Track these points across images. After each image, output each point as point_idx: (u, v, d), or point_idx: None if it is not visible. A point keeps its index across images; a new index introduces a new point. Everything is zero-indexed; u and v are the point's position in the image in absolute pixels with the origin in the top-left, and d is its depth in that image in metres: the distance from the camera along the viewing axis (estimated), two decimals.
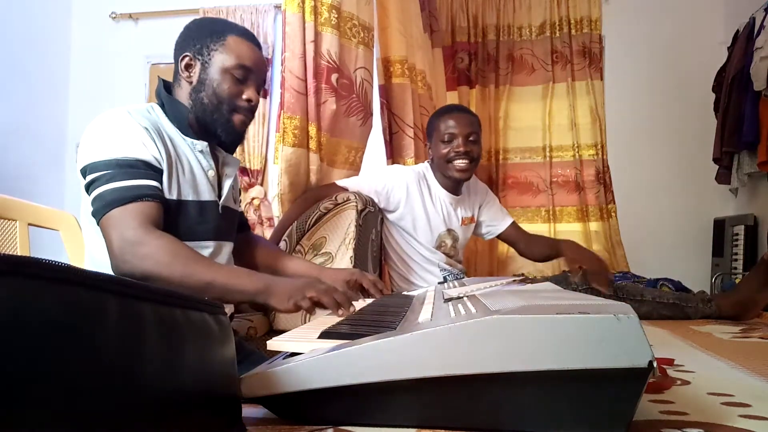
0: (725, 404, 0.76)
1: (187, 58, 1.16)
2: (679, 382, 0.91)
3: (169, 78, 1.23)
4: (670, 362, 1.07)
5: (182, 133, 1.15)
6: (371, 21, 2.18)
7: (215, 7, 4.05)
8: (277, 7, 3.95)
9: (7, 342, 0.32)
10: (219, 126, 1.15)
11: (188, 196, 1.12)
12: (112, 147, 1.02)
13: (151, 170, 1.04)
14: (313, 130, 1.90)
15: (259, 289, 1.00)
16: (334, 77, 1.96)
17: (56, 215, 1.40)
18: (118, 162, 1.01)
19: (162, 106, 1.16)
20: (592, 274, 1.84)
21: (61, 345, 0.36)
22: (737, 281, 2.72)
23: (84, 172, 1.03)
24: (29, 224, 1.33)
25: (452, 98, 3.37)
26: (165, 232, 1.00)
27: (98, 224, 1.00)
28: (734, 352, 1.23)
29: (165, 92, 1.17)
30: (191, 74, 1.15)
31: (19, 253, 1.27)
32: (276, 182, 1.93)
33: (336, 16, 1.96)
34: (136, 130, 1.05)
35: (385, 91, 2.46)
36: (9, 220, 1.30)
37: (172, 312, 0.49)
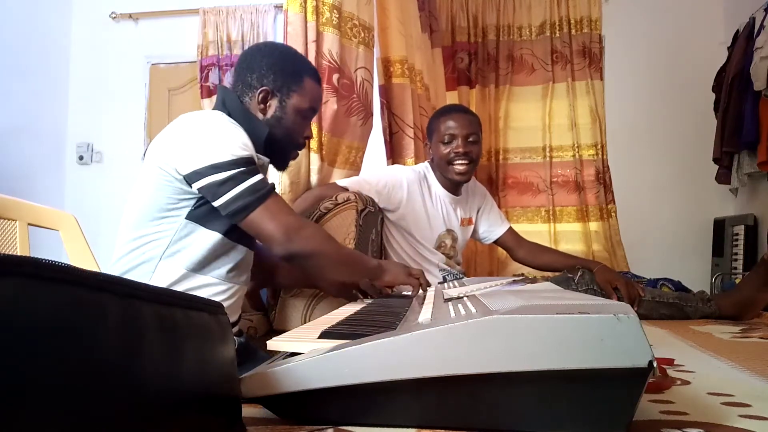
0: (725, 404, 0.76)
1: (264, 92, 1.22)
2: (679, 382, 0.92)
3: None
4: (670, 362, 1.07)
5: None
6: (371, 21, 2.18)
7: (215, 6, 4.05)
8: (278, 7, 3.95)
9: (6, 342, 0.32)
10: (277, 157, 1.25)
11: None
12: (228, 147, 1.07)
13: (259, 167, 1.13)
14: (314, 130, 1.90)
15: (376, 266, 1.26)
16: (335, 77, 1.96)
17: (56, 215, 1.40)
18: (242, 160, 1.07)
19: (229, 115, 1.19)
20: (625, 295, 1.85)
21: (61, 345, 0.36)
22: (737, 281, 2.72)
23: (199, 174, 1.05)
24: (29, 224, 1.33)
25: (452, 98, 3.37)
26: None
27: (244, 221, 1.08)
28: (734, 352, 1.23)
29: (243, 108, 1.22)
30: (267, 107, 1.23)
31: (19, 253, 1.27)
32: (276, 182, 1.94)
33: (337, 16, 1.96)
34: (241, 132, 1.12)
35: (385, 91, 2.46)
36: (9, 220, 1.30)
37: (172, 312, 0.49)
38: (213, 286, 1.13)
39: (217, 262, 1.13)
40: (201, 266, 1.12)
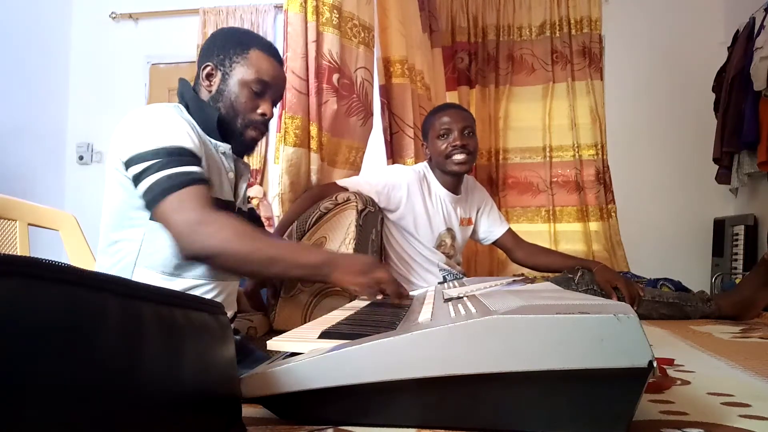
0: (725, 404, 0.76)
1: (209, 68, 1.18)
2: (679, 382, 0.91)
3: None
4: (670, 362, 1.07)
5: (207, 134, 1.16)
6: (371, 21, 2.18)
7: (215, 6, 4.05)
8: (278, 7, 3.95)
9: (6, 342, 0.32)
10: (231, 137, 1.18)
11: (215, 194, 1.14)
12: (159, 137, 1.03)
13: (196, 159, 1.06)
14: (314, 130, 1.90)
15: (322, 262, 1.03)
16: (335, 77, 1.96)
17: (56, 215, 1.40)
18: (167, 150, 1.02)
19: (186, 107, 1.17)
20: (625, 294, 1.85)
21: (61, 345, 0.36)
22: (737, 281, 2.72)
23: (129, 163, 1.03)
24: (29, 224, 1.33)
25: (452, 98, 3.37)
26: (224, 212, 1.02)
27: (154, 211, 1.02)
28: (734, 352, 1.23)
29: (193, 94, 1.19)
30: (211, 83, 1.18)
31: (19, 253, 1.27)
32: (276, 182, 1.93)
33: (337, 16, 1.96)
34: (180, 122, 1.07)
35: (386, 91, 2.46)
36: (9, 220, 1.30)
37: (172, 312, 0.49)
38: (196, 288, 1.09)
39: (191, 263, 1.08)
40: (176, 268, 1.08)
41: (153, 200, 1.01)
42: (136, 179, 1.02)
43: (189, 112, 1.17)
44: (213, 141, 1.17)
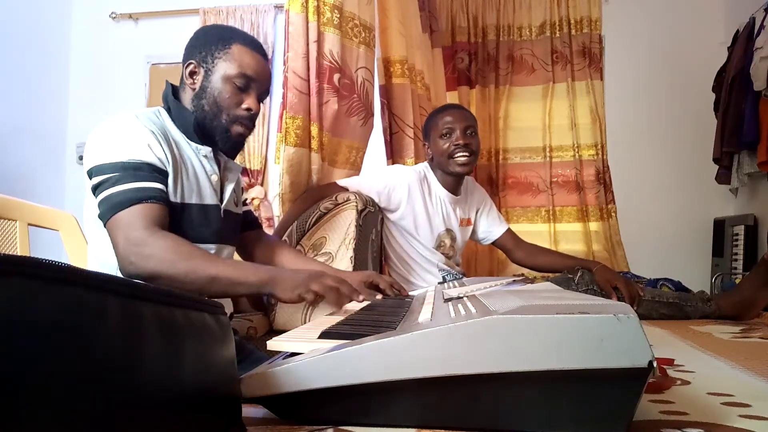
0: (725, 404, 0.76)
1: (191, 65, 1.17)
2: (679, 382, 0.91)
3: (176, 81, 1.24)
4: (670, 362, 1.07)
5: (187, 138, 1.16)
6: (372, 21, 2.18)
7: (215, 7, 4.05)
8: (278, 7, 3.95)
9: (6, 342, 0.32)
10: (217, 134, 1.16)
11: (191, 199, 1.13)
12: (119, 150, 1.03)
13: (157, 173, 1.05)
14: (315, 130, 1.90)
15: (263, 281, 1.02)
16: (336, 77, 1.96)
17: (56, 215, 1.40)
18: (123, 165, 1.02)
19: (168, 110, 1.18)
20: (625, 294, 1.85)
21: (61, 345, 0.36)
22: (737, 281, 2.72)
23: (90, 174, 1.04)
24: (29, 224, 1.33)
25: (452, 98, 3.37)
26: (169, 232, 1.01)
27: (105, 226, 1.02)
28: (734, 352, 1.23)
29: (172, 97, 1.18)
30: (195, 81, 1.17)
31: (19, 253, 1.27)
32: (277, 182, 1.94)
33: (338, 16, 1.96)
34: (142, 132, 1.06)
35: (386, 91, 2.46)
36: (9, 220, 1.30)
37: (172, 312, 0.49)
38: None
39: None
40: None
41: (103, 215, 1.01)
42: (94, 191, 1.03)
43: (171, 116, 1.17)
44: (193, 144, 1.16)
